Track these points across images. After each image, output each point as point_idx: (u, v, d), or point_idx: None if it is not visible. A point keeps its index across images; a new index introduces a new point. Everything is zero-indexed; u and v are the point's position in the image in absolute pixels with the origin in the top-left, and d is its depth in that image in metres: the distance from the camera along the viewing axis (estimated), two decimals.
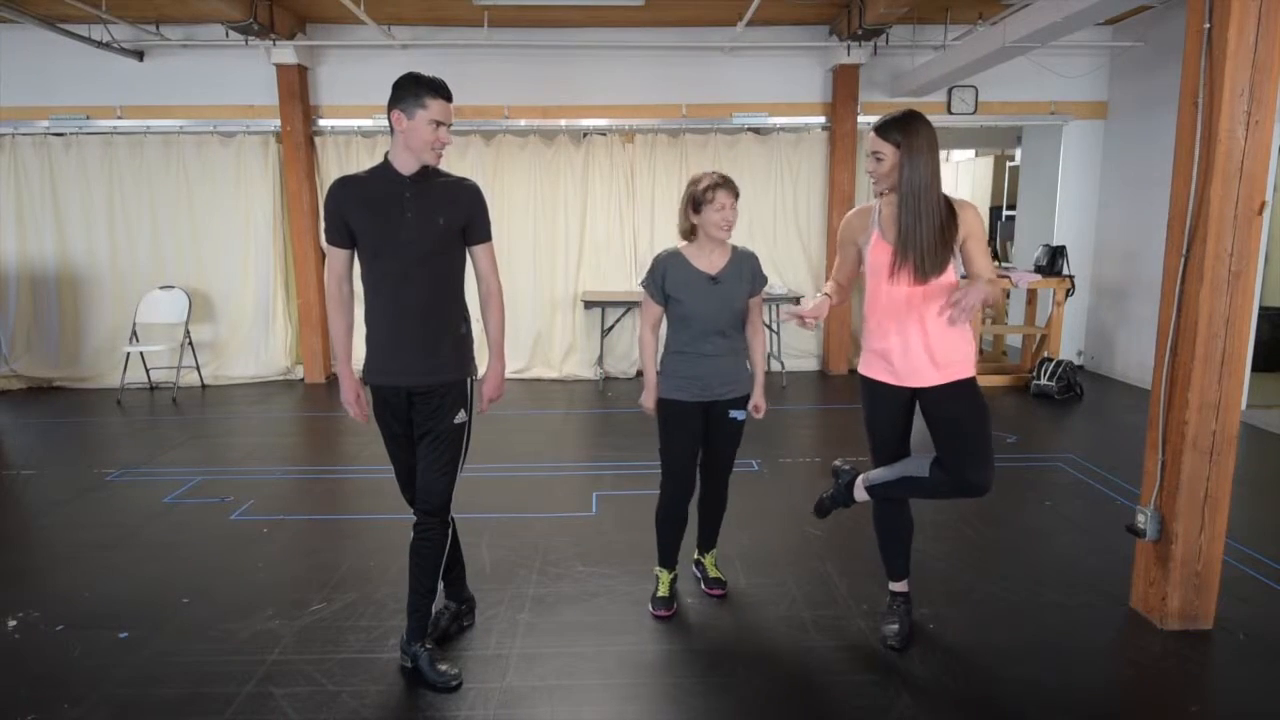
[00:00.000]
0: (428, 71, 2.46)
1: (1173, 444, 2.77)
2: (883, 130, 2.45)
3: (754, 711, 2.43)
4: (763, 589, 3.16)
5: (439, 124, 2.41)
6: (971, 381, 2.55)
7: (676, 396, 2.84)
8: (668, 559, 3.02)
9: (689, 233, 2.80)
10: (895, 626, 2.76)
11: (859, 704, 2.44)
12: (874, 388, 2.64)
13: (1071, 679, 2.55)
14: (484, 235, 2.60)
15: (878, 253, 2.55)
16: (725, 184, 2.71)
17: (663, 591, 2.99)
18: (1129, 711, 2.44)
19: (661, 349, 2.92)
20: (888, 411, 2.63)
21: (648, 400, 2.90)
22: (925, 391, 2.56)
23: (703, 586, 3.15)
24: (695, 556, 3.20)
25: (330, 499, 4.34)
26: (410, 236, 2.45)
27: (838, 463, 2.94)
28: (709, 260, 2.79)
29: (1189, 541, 2.78)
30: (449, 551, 2.65)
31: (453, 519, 2.65)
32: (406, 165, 2.46)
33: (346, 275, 2.57)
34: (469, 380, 2.61)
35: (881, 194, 2.55)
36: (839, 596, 3.09)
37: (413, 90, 2.39)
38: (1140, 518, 2.87)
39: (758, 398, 2.92)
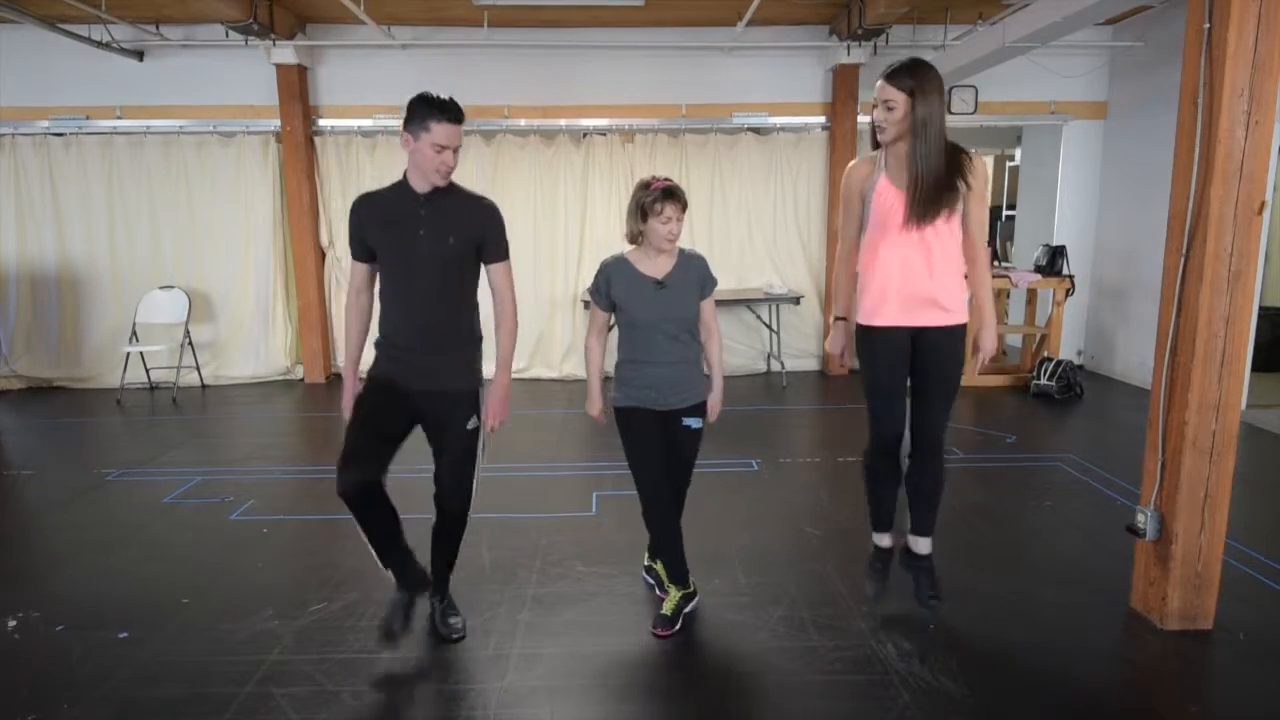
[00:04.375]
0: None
1: (1172, 444, 2.77)
2: (894, 78, 2.45)
3: (754, 711, 2.42)
4: (762, 589, 3.15)
5: (442, 148, 2.39)
6: (965, 330, 2.66)
7: (632, 404, 2.78)
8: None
9: (636, 237, 2.72)
10: (875, 583, 2.94)
11: (859, 704, 2.44)
12: (876, 338, 2.65)
13: (1071, 679, 2.55)
14: (500, 254, 2.62)
15: (885, 196, 2.56)
16: (672, 196, 2.62)
17: (666, 609, 2.93)
18: (1129, 711, 2.43)
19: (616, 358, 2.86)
20: (890, 358, 2.64)
21: (591, 409, 2.88)
22: (926, 334, 2.60)
23: (658, 591, 2.91)
24: (647, 562, 3.00)
25: (330, 499, 4.28)
26: (423, 254, 2.49)
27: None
28: (654, 264, 2.73)
29: (1189, 541, 2.78)
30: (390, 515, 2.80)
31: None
32: (420, 184, 2.49)
33: (365, 287, 2.65)
34: (477, 390, 2.66)
35: (886, 145, 2.55)
36: (839, 596, 3.09)
37: (420, 112, 2.38)
38: (1140, 518, 2.87)
39: (714, 399, 2.85)
